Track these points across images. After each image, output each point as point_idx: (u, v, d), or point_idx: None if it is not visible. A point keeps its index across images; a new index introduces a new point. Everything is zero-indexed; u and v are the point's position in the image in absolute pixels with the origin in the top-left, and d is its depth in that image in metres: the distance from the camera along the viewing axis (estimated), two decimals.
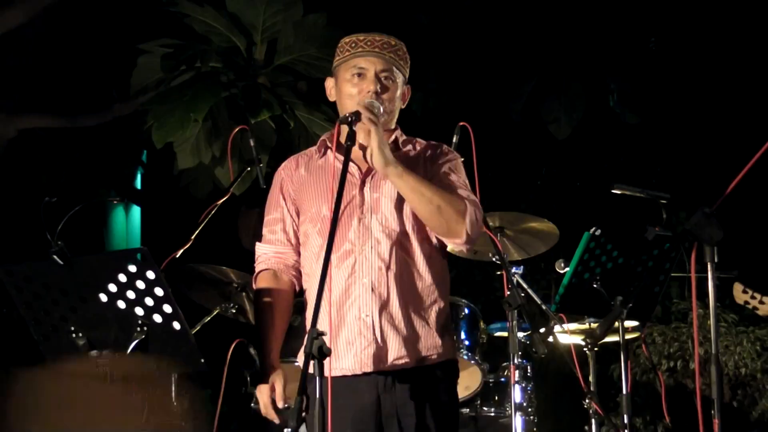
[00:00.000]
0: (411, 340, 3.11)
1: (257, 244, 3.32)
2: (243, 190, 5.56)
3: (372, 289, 3.10)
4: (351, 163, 3.15)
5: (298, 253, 3.27)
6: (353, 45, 3.22)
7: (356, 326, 3.10)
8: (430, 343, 3.14)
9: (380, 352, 3.08)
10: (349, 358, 3.10)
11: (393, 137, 3.26)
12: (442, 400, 3.16)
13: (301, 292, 3.32)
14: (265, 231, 3.31)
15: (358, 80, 3.19)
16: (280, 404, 3.12)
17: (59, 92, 7.14)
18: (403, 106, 3.30)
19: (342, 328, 3.11)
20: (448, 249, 3.30)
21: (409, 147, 3.29)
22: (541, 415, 5.01)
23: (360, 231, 3.14)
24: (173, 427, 4.29)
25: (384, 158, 3.04)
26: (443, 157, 3.27)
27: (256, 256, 3.31)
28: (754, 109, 7.79)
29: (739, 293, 5.00)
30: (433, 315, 3.16)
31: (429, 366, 3.14)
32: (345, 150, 3.01)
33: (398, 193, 3.14)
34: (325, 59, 5.97)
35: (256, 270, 3.29)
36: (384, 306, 3.10)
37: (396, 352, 3.09)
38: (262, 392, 3.14)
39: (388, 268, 3.11)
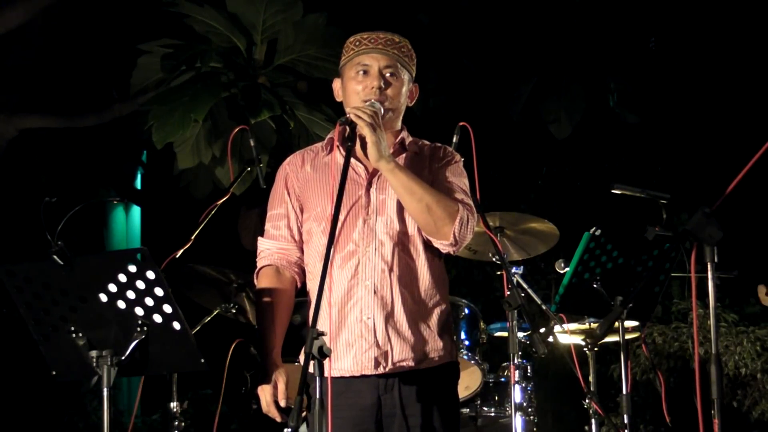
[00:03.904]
0: (413, 342, 3.11)
1: (259, 238, 3.30)
2: (243, 190, 5.55)
3: (375, 292, 3.10)
4: (358, 164, 3.18)
5: (302, 250, 3.26)
6: (357, 44, 3.23)
7: (357, 328, 3.10)
8: (432, 345, 3.14)
9: (381, 355, 3.08)
10: (348, 359, 3.10)
11: (400, 137, 3.26)
12: (445, 401, 3.17)
13: (302, 290, 3.31)
14: (268, 226, 3.29)
15: (362, 77, 3.19)
16: (282, 402, 3.10)
17: (59, 92, 7.15)
18: (410, 104, 3.29)
19: (342, 329, 3.11)
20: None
21: (415, 148, 3.29)
22: (541, 415, 5.01)
23: (364, 232, 3.14)
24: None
25: (378, 152, 3.03)
26: (446, 158, 3.28)
27: (259, 251, 3.29)
28: (754, 109, 7.79)
29: (763, 295, 5.02)
30: (434, 317, 3.17)
31: (430, 368, 3.14)
32: (346, 150, 3.02)
33: None
34: (325, 59, 5.98)
35: (259, 265, 3.28)
36: (386, 308, 3.10)
37: (398, 355, 3.09)
38: (264, 390, 3.12)
39: (390, 270, 3.12)
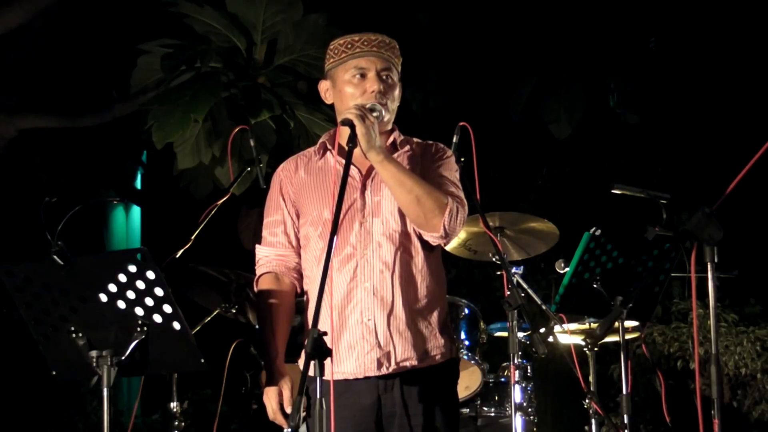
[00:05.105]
0: (415, 341, 3.11)
1: (257, 246, 3.31)
2: (243, 190, 5.54)
3: (374, 293, 3.10)
4: (352, 166, 3.14)
5: (299, 255, 3.26)
6: (349, 46, 3.21)
7: (358, 330, 3.10)
8: (434, 343, 3.15)
9: (383, 356, 3.08)
10: (350, 362, 3.10)
11: (392, 138, 3.26)
12: (446, 398, 3.19)
13: (302, 294, 3.31)
14: (265, 233, 3.30)
15: (359, 80, 3.18)
16: (288, 409, 3.11)
17: (59, 92, 7.14)
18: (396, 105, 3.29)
19: (344, 332, 3.11)
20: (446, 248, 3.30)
21: (407, 147, 3.29)
22: (541, 415, 5.01)
23: (361, 234, 3.14)
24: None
25: (367, 142, 3.02)
26: (437, 154, 3.28)
27: (257, 259, 3.30)
28: (754, 109, 7.79)
29: None
30: (435, 314, 3.17)
31: (433, 366, 3.14)
32: (347, 152, 3.00)
33: None
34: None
35: (258, 273, 3.28)
36: (387, 309, 3.10)
37: (401, 354, 3.09)
38: (270, 397, 3.13)
39: (389, 270, 3.12)
